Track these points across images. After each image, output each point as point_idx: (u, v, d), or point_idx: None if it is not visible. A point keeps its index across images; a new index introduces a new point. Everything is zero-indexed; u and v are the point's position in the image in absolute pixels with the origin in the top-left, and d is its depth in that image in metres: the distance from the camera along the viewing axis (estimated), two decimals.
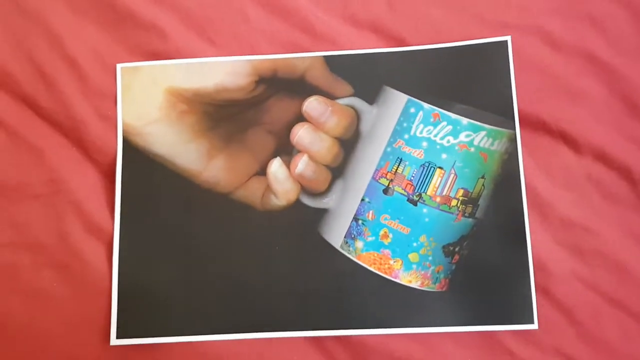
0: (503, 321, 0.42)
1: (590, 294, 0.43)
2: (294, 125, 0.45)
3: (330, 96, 0.46)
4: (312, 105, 0.45)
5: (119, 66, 0.48)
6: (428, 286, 0.43)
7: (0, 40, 0.49)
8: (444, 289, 0.43)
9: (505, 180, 0.44)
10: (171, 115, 0.46)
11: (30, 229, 0.45)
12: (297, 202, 0.45)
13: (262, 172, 0.45)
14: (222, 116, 0.46)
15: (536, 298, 0.42)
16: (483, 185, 0.43)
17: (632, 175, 0.44)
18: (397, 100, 0.44)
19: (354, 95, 0.46)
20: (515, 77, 0.46)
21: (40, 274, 0.44)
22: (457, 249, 0.43)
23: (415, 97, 0.43)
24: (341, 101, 0.46)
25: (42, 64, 0.48)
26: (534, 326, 0.42)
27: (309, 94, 0.46)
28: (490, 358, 0.42)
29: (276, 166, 0.45)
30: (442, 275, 0.43)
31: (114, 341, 0.43)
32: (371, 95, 0.46)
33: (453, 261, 0.43)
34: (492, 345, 0.42)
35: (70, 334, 0.43)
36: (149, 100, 0.46)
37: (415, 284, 0.43)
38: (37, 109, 0.47)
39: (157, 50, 0.48)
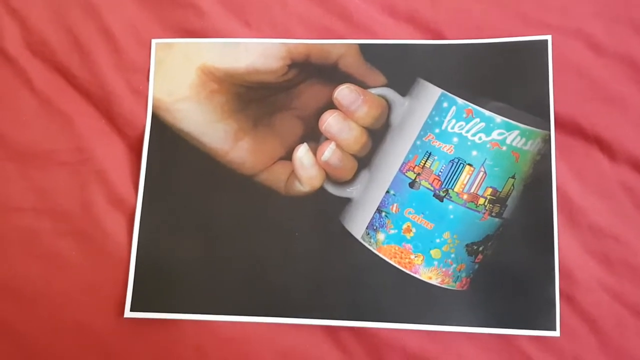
0: (523, 326, 0.41)
1: (616, 304, 0.41)
2: (323, 112, 0.44)
3: (363, 85, 0.45)
4: (343, 93, 0.44)
5: (153, 41, 0.48)
6: (448, 284, 0.42)
7: (39, 9, 0.49)
8: (464, 288, 0.42)
9: (536, 182, 0.43)
10: (201, 93, 0.45)
11: (54, 195, 0.45)
12: (321, 190, 0.45)
13: (288, 156, 0.45)
14: (252, 98, 0.46)
15: (560, 305, 0.41)
16: (513, 185, 0.42)
17: None
18: (430, 93, 0.44)
19: (386, 85, 0.45)
20: (553, 78, 0.44)
21: (60, 241, 0.45)
22: (481, 249, 0.42)
23: (449, 92, 0.43)
24: (373, 91, 0.45)
25: (78, 34, 0.48)
26: (556, 333, 0.41)
27: (341, 82, 0.45)
28: None
29: (302, 152, 0.44)
30: (463, 274, 0.42)
31: (127, 313, 0.43)
32: (404, 87, 0.45)
33: (476, 260, 0.42)
34: (510, 349, 0.41)
35: (85, 303, 0.43)
36: (181, 77, 0.46)
37: (435, 281, 0.42)
38: (70, 78, 0.48)
39: (193, 28, 0.48)
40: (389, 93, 0.45)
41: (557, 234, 0.42)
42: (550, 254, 0.42)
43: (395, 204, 0.43)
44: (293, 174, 0.45)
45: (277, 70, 0.46)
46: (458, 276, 0.42)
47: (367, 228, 0.43)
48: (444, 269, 0.42)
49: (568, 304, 0.41)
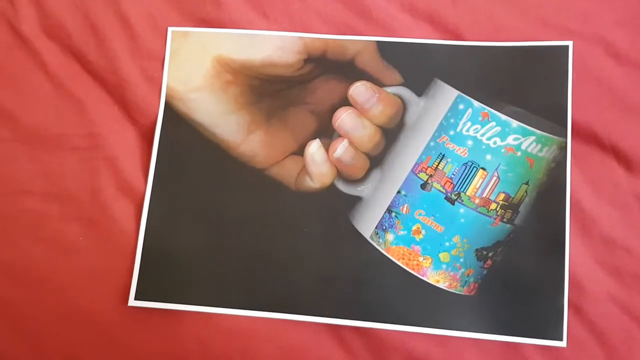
0: (530, 334, 0.40)
1: (625, 318, 0.41)
2: (337, 109, 0.44)
3: (379, 83, 0.45)
4: (359, 90, 0.44)
5: (170, 29, 0.48)
6: (456, 288, 0.42)
7: None
8: (472, 293, 0.42)
9: (550, 190, 0.42)
10: (216, 84, 0.45)
11: (63, 180, 0.45)
12: (332, 187, 0.44)
13: (300, 152, 0.45)
14: (266, 91, 0.46)
15: (568, 315, 0.40)
16: (526, 191, 0.42)
17: None
18: (446, 94, 0.43)
19: (403, 84, 0.45)
20: (572, 85, 0.44)
21: (67, 226, 0.44)
22: (490, 254, 0.42)
23: (466, 94, 0.42)
24: (389, 89, 0.45)
25: (95, 19, 0.48)
26: (562, 343, 0.40)
27: (357, 79, 0.45)
28: None
29: (315, 148, 0.44)
30: (471, 279, 0.42)
31: (132, 302, 0.43)
32: (420, 87, 0.45)
33: (485, 266, 0.42)
34: (515, 357, 0.41)
35: (90, 289, 0.43)
36: (196, 66, 0.46)
37: (442, 285, 0.42)
38: (84, 63, 0.48)
39: (210, 17, 0.48)
40: (405, 92, 0.45)
41: (569, 243, 0.41)
42: (561, 263, 0.41)
43: (405, 205, 0.42)
44: (304, 169, 0.44)
45: (293, 64, 0.45)
46: (466, 281, 0.42)
47: (376, 228, 0.43)
48: (452, 273, 0.42)
49: (576, 315, 0.41)
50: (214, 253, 0.43)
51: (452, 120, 0.42)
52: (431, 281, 0.42)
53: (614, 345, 0.40)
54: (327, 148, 0.44)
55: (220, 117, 0.45)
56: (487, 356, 0.41)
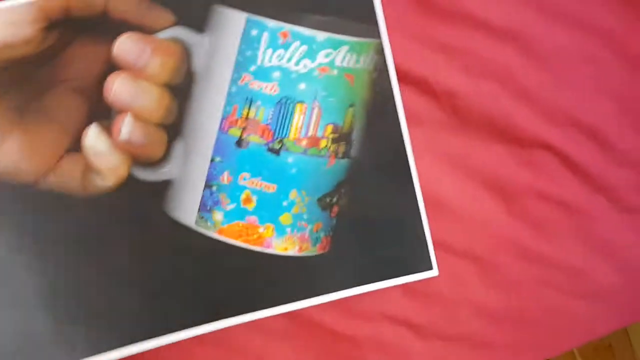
0: (399, 273, 0.36)
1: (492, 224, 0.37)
2: (106, 78, 0.34)
3: (147, 30, 0.35)
4: (125, 46, 0.34)
5: None
6: (308, 250, 0.36)
7: None
8: (326, 250, 0.36)
9: (379, 104, 0.36)
10: None
11: None
12: (130, 178, 0.35)
13: (77, 146, 0.35)
14: (9, 82, 0.35)
15: (432, 239, 0.36)
16: (354, 115, 0.35)
17: (431, 87, 0.37)
18: (233, 22, 0.35)
19: (177, 24, 0.35)
20: None
21: None
22: (335, 200, 0.36)
23: (257, 14, 0.34)
24: (162, 35, 0.35)
25: None
26: (434, 272, 0.36)
27: (119, 33, 0.35)
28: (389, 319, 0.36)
29: (93, 136, 0.35)
30: (322, 234, 0.36)
31: None
32: (200, 21, 0.35)
33: (332, 215, 0.36)
34: (390, 303, 0.36)
35: None
36: None
37: (292, 251, 0.36)
38: None
39: None
40: (183, 33, 0.35)
41: (413, 158, 0.36)
42: (411, 182, 0.36)
43: (225, 173, 0.35)
44: (89, 167, 0.35)
45: (32, 38, 0.34)
46: (317, 238, 0.36)
47: (199, 211, 0.35)
48: (299, 234, 0.35)
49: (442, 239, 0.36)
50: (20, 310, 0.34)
51: (248, 53, 0.34)
52: (279, 252, 0.35)
53: (485, 259, 0.36)
54: (109, 132, 0.35)
55: None
56: (361, 312, 0.36)
